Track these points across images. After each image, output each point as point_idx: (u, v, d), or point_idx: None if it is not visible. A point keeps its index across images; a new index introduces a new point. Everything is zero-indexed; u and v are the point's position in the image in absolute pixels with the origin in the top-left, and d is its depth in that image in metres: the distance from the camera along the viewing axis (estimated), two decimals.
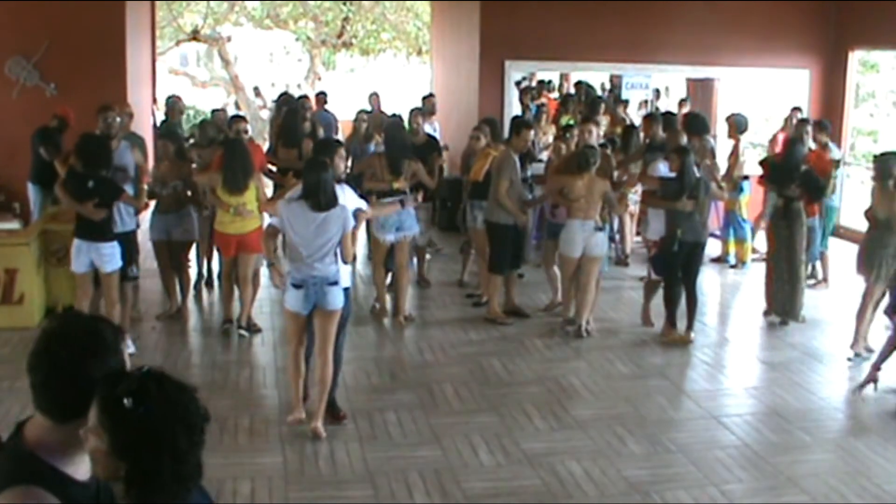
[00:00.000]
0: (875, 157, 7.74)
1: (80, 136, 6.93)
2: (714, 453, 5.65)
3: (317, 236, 5.53)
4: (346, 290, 5.84)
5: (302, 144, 9.48)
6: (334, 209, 5.57)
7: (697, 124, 9.20)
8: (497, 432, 5.86)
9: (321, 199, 5.54)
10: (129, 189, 7.22)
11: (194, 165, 8.39)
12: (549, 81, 15.66)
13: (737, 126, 9.86)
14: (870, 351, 7.39)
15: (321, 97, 13.74)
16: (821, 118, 10.87)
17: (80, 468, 2.08)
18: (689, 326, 7.78)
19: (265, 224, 7.75)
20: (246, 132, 8.10)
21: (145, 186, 7.45)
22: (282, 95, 12.89)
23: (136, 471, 1.90)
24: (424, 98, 11.33)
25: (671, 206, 7.57)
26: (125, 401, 1.87)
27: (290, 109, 10.62)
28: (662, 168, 8.07)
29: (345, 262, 5.73)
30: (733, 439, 5.90)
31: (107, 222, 6.81)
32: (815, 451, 5.77)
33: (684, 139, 8.47)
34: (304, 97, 12.03)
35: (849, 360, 7.41)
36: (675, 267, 7.68)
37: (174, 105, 10.65)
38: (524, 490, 5.12)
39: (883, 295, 7.31)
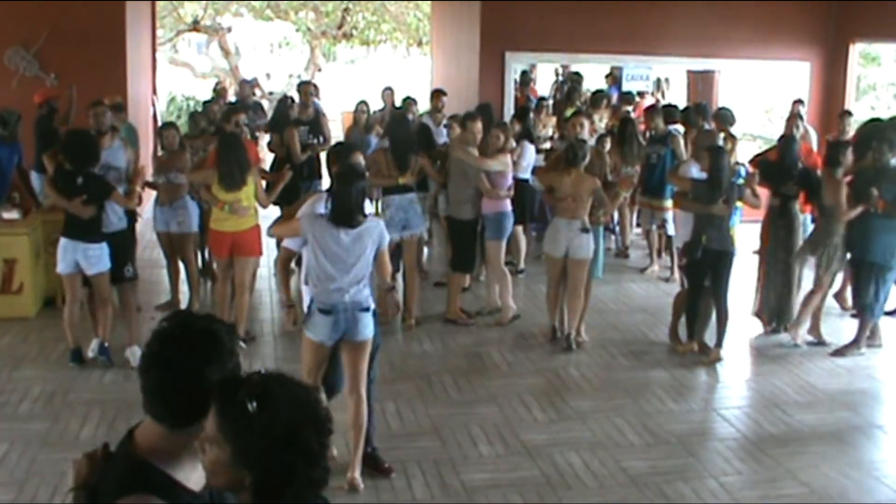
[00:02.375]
0: (828, 143, 7.70)
1: (66, 132, 6.78)
2: (713, 445, 5.67)
3: (349, 255, 4.78)
4: (373, 312, 5.04)
5: (284, 130, 9.45)
6: (367, 224, 4.85)
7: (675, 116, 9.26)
8: (496, 423, 5.87)
9: (353, 215, 4.79)
10: (119, 189, 6.97)
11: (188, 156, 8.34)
12: (528, 75, 15.53)
13: (723, 121, 9.95)
14: (821, 341, 7.59)
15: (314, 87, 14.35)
16: (845, 109, 11.01)
17: (193, 476, 1.98)
18: (718, 343, 7.14)
19: (265, 226, 7.63)
20: (245, 124, 8.02)
21: (137, 188, 7.13)
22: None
23: (265, 479, 1.78)
24: (433, 93, 10.97)
25: (704, 210, 7.01)
26: (249, 405, 1.74)
27: (283, 96, 11.11)
28: (694, 170, 7.61)
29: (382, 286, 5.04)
30: (732, 431, 5.92)
31: (95, 222, 6.49)
32: (814, 443, 5.77)
33: (720, 138, 8.25)
34: (307, 83, 12.14)
35: (796, 345, 7.53)
36: (700, 276, 7.16)
37: (252, 87, 11.71)
38: (523, 481, 5.12)
39: (831, 284, 7.54)
